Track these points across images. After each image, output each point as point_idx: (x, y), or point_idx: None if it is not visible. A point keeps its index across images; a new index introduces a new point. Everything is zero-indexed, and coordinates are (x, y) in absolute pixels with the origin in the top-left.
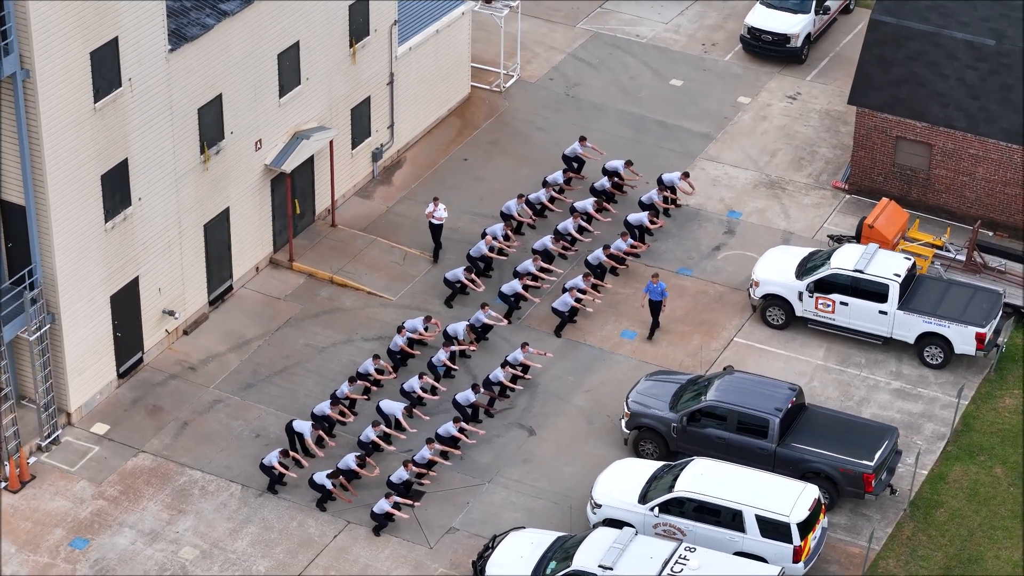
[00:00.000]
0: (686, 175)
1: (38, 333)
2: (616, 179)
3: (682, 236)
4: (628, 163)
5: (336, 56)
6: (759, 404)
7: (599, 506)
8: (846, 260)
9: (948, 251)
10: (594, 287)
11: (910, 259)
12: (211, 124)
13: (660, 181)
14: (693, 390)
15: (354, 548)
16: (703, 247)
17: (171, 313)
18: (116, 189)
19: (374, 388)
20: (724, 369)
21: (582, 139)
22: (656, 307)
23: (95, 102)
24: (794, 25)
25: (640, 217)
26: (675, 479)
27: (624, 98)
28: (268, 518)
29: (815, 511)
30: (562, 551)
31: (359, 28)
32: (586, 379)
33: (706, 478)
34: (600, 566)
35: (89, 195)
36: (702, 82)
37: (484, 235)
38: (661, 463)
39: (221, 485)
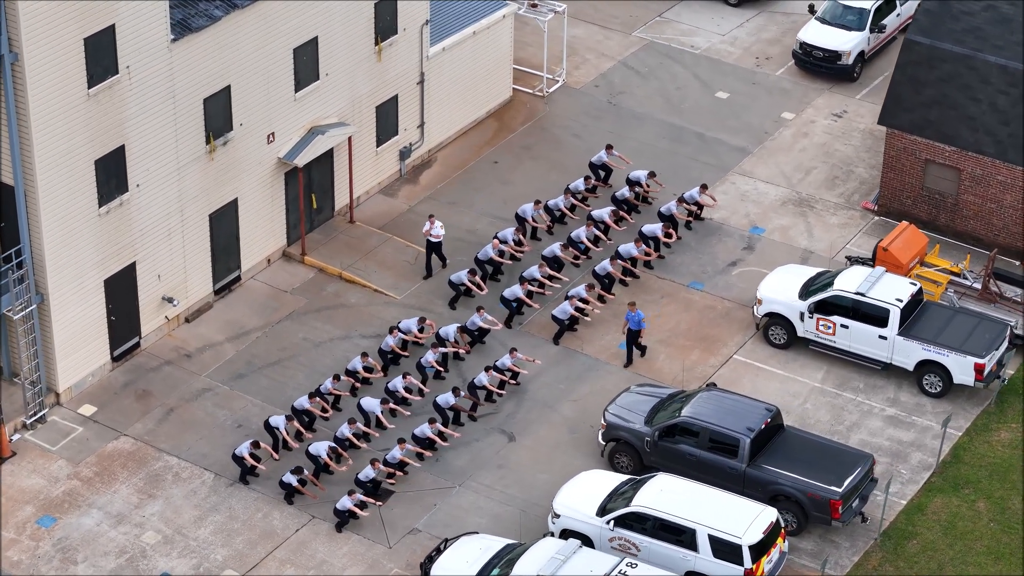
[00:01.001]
0: (704, 187)
1: (23, 312)
2: (638, 189)
3: (700, 249)
4: (651, 174)
5: (360, 53)
6: (732, 423)
7: (558, 516)
8: (850, 282)
9: (965, 278)
10: (600, 298)
11: (915, 284)
12: (218, 115)
13: (682, 199)
14: (670, 405)
15: (314, 543)
16: (719, 262)
17: (170, 300)
18: (111, 175)
19: (359, 385)
20: (706, 386)
21: (608, 147)
22: (634, 336)
23: (89, 88)
24: (846, 42)
25: (654, 228)
26: (635, 494)
27: (667, 108)
28: (235, 508)
29: (771, 534)
30: (508, 559)
31: (386, 26)
32: (576, 388)
33: (665, 494)
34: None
35: (82, 179)
36: (749, 95)
37: (496, 238)
38: (626, 477)
39: (195, 472)
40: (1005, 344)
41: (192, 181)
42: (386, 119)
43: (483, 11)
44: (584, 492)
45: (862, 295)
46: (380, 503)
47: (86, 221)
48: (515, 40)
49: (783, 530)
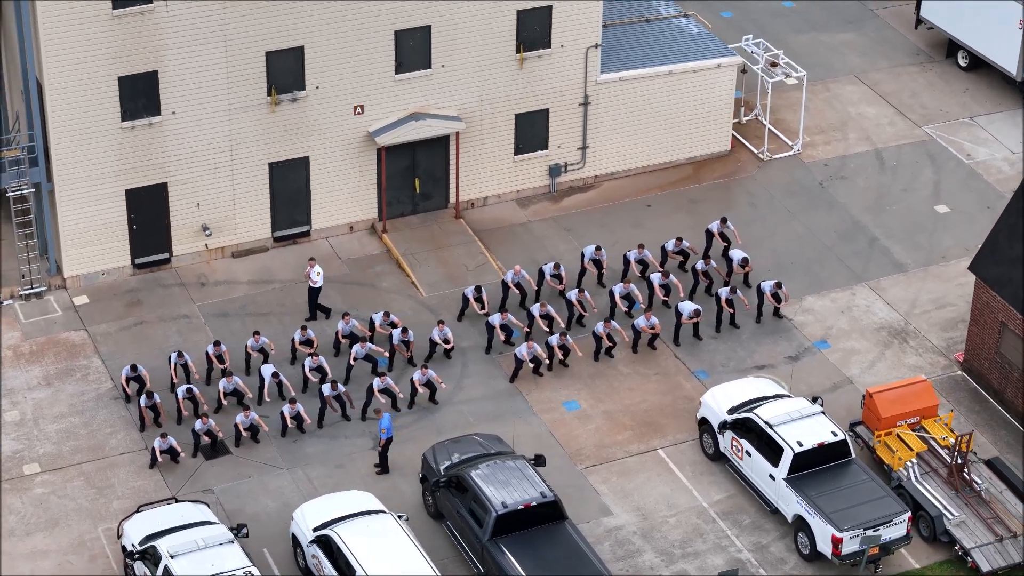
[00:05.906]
0: (779, 285)
1: (18, 192)
2: (713, 265)
3: (744, 343)
4: (745, 259)
5: (493, 57)
6: (496, 494)
7: (292, 518)
8: (772, 411)
9: (955, 455)
10: (596, 354)
11: (837, 435)
12: (285, 71)
13: (758, 288)
14: (477, 461)
15: (121, 470)
16: (749, 361)
17: (205, 229)
18: (140, 95)
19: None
20: (534, 456)
21: (723, 220)
22: (385, 445)
23: (114, 8)
24: None
25: (687, 308)
26: (345, 522)
27: (870, 205)
28: (97, 419)
29: None
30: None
31: (533, 37)
32: (482, 425)
33: (366, 531)
34: (169, 553)
35: (100, 90)
36: (968, 217)
37: (541, 270)
38: (378, 508)
39: (101, 378)
40: (898, 530)
41: (247, 126)
42: (530, 129)
43: (701, 55)
44: (329, 506)
45: (770, 427)
46: (183, 455)
47: (105, 130)
48: (788, 102)
49: None
